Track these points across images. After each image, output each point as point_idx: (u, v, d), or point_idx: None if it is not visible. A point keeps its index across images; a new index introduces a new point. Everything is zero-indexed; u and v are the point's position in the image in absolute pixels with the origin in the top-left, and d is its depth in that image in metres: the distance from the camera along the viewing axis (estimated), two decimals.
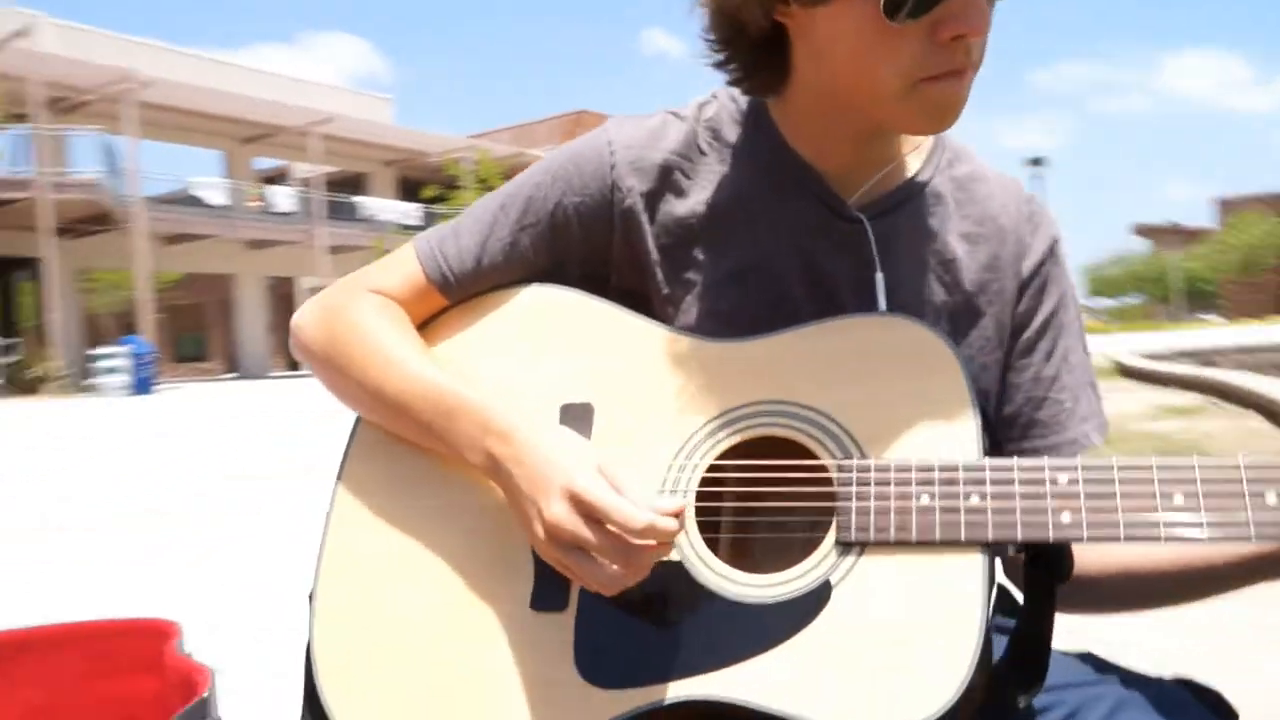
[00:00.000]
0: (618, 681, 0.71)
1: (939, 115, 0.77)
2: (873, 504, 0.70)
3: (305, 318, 0.92)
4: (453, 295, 0.91)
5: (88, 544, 4.10)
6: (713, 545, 0.75)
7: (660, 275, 0.88)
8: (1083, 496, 0.67)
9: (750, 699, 0.67)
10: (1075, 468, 0.68)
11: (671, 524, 0.69)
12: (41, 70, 21.50)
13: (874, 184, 0.87)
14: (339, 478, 0.86)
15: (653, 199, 0.88)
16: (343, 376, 0.88)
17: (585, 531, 0.69)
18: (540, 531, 0.72)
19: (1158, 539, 0.65)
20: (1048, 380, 0.90)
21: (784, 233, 0.87)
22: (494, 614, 0.76)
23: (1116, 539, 0.66)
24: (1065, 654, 0.82)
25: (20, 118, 21.19)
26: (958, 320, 0.87)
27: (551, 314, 0.87)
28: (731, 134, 0.89)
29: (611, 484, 0.71)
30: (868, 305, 0.85)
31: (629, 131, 0.89)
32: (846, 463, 0.72)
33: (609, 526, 0.69)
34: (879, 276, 0.85)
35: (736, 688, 0.68)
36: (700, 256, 0.87)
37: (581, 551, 0.70)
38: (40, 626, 1.05)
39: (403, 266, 0.91)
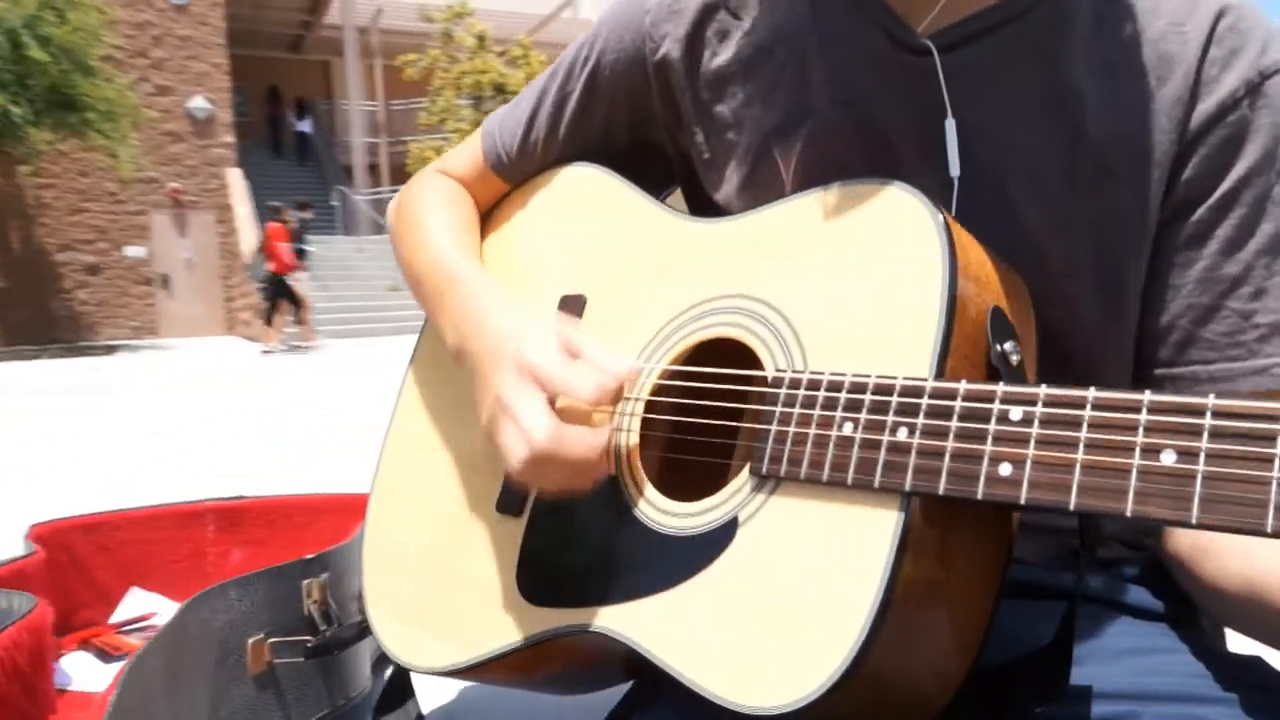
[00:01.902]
0: (543, 599, 0.69)
1: None
2: (792, 430, 0.57)
3: (396, 197, 0.93)
4: (508, 176, 0.88)
5: None
6: (656, 463, 0.70)
7: (700, 136, 0.76)
8: (1033, 441, 0.48)
9: (636, 639, 0.61)
10: (1036, 398, 0.49)
11: (612, 386, 0.63)
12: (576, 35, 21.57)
13: (951, 2, 0.67)
14: (409, 362, 0.89)
15: (691, 46, 0.76)
16: (397, 252, 0.88)
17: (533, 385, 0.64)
18: (485, 415, 0.67)
19: (1122, 513, 0.45)
20: (1227, 281, 0.65)
21: (835, 77, 0.70)
22: (475, 512, 0.76)
23: (1065, 508, 0.46)
24: (1204, 655, 0.64)
25: None
26: (1076, 185, 0.65)
27: (574, 199, 0.83)
28: None
29: (567, 349, 0.66)
30: (929, 164, 0.67)
31: None
32: (778, 375, 0.60)
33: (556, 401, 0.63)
34: (949, 124, 0.66)
35: (628, 625, 0.62)
36: (743, 112, 0.74)
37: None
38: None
39: (470, 148, 0.90)
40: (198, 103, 15.95)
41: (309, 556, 1.05)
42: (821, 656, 0.52)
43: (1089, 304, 0.67)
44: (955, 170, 0.66)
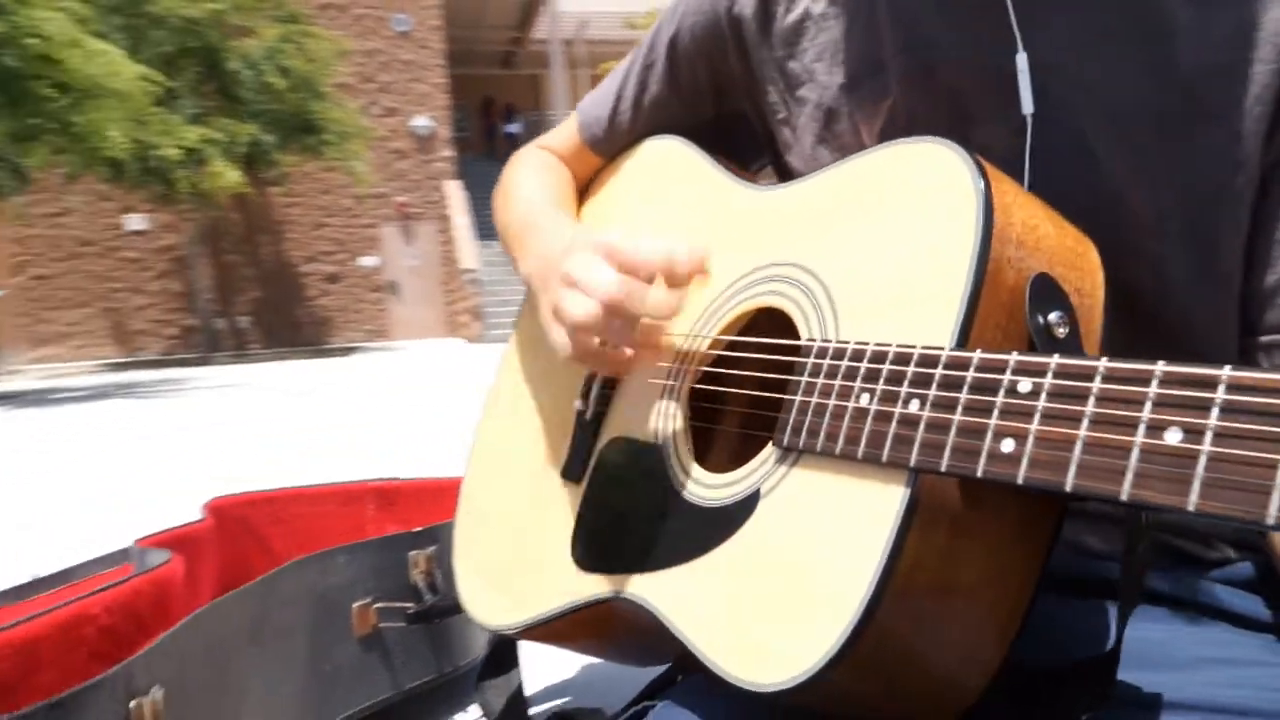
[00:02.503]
0: (590, 565, 0.69)
1: None
2: (814, 400, 0.55)
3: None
4: (601, 150, 0.89)
5: None
6: (706, 434, 0.69)
7: (775, 94, 0.75)
8: (1038, 415, 0.44)
9: (660, 608, 0.60)
10: (1046, 369, 0.44)
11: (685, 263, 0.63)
12: None
13: None
14: (514, 328, 0.92)
15: (764, 3, 0.74)
16: (496, 219, 0.90)
17: (595, 272, 0.64)
18: (546, 302, 0.69)
19: (1116, 497, 0.40)
20: None
21: (902, 23, 0.66)
22: (546, 480, 0.78)
23: (1062, 489, 0.42)
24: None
25: None
26: (1164, 125, 0.59)
27: (656, 169, 0.84)
28: None
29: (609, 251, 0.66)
30: (1001, 107, 0.62)
31: None
32: (807, 344, 0.57)
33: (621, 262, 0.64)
34: (1020, 59, 0.61)
35: (655, 594, 0.61)
36: (814, 67, 0.71)
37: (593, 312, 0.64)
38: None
39: (567, 126, 0.91)
40: (420, 121, 17.14)
41: (417, 529, 1.10)
42: (820, 633, 0.49)
43: (1178, 262, 0.60)
44: (1028, 108, 0.61)
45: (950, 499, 0.49)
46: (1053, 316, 0.50)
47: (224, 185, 12.82)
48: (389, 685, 1.04)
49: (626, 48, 18.88)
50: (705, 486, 0.62)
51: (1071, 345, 0.50)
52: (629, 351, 0.69)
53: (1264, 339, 0.59)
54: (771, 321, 0.64)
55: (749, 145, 0.81)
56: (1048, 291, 0.51)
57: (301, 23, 14.42)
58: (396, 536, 1.09)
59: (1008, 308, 0.50)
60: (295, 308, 16.80)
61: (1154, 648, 0.58)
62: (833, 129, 0.70)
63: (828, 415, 0.54)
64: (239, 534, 1.53)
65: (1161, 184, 0.59)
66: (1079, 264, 0.54)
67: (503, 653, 1.04)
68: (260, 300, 16.48)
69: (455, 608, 1.06)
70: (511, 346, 0.92)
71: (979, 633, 0.51)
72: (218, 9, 13.44)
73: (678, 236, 0.66)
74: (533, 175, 0.89)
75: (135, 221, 15.61)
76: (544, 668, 1.42)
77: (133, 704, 0.57)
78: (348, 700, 0.99)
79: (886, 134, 0.64)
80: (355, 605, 1.01)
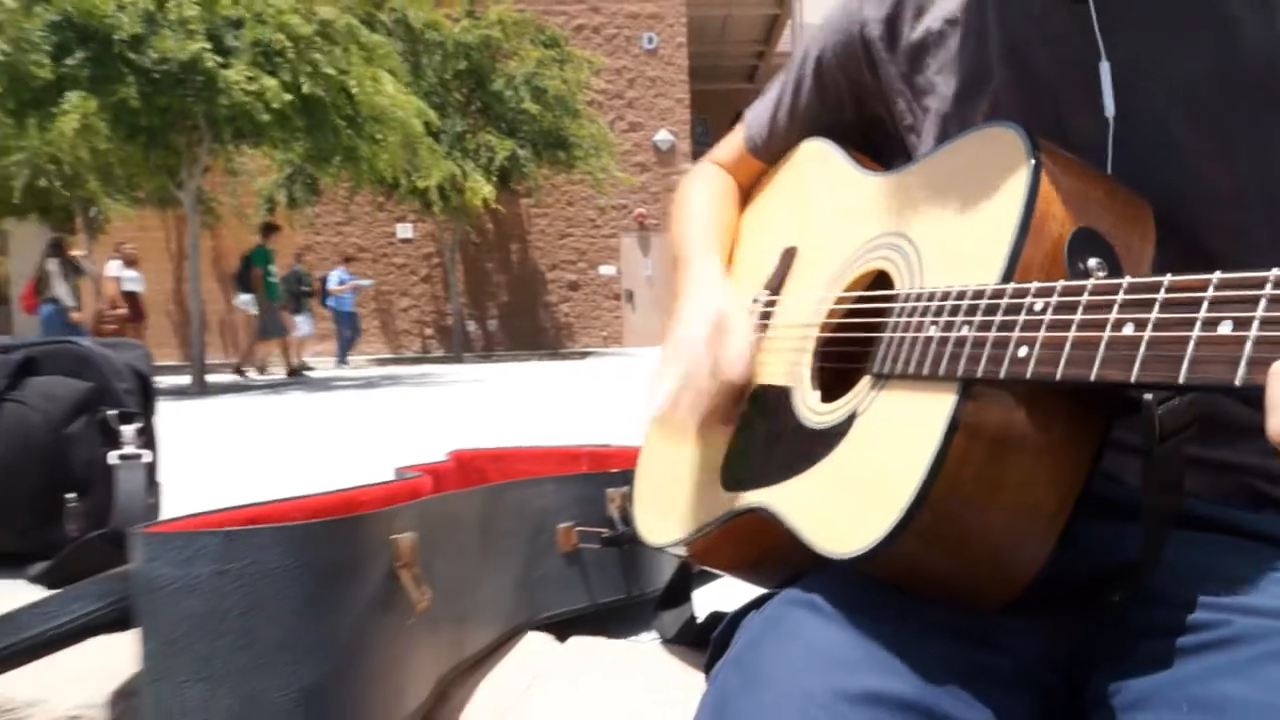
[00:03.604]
0: (732, 486, 0.82)
1: None
2: (897, 336, 0.67)
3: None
4: (763, 156, 1.01)
5: None
6: (828, 372, 0.80)
7: (902, 104, 0.85)
8: (1045, 326, 0.56)
9: (780, 511, 0.73)
10: (1053, 290, 0.56)
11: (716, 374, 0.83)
12: None
13: None
14: None
15: (890, 25, 0.85)
16: (669, 232, 1.07)
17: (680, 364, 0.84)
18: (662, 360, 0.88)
19: (1086, 378, 0.51)
20: None
21: (1006, 37, 0.75)
22: (705, 426, 0.92)
23: (1052, 377, 0.54)
24: None
25: None
26: (1237, 114, 0.67)
27: (801, 168, 0.97)
28: None
29: (715, 333, 0.84)
30: (1087, 106, 0.70)
31: None
32: (894, 293, 0.70)
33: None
34: (1104, 67, 0.70)
35: (777, 500, 0.74)
36: (935, 79, 0.81)
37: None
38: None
39: (733, 137, 1.06)
40: (662, 135, 17.76)
41: (614, 470, 1.29)
42: (887, 512, 0.61)
43: (1258, 230, 0.67)
44: (1110, 110, 0.70)
45: (995, 410, 0.60)
46: (1092, 262, 0.60)
47: (477, 200, 13.94)
48: (585, 597, 1.24)
49: None
50: (818, 414, 0.75)
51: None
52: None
53: None
54: (884, 279, 0.77)
55: (886, 146, 0.92)
56: (1088, 243, 0.61)
57: (562, 45, 15.42)
58: (598, 474, 1.28)
59: (1051, 255, 0.61)
60: (538, 313, 17.88)
61: (1210, 566, 0.65)
62: (948, 132, 0.80)
63: (904, 346, 0.66)
64: (473, 477, 1.79)
65: (1241, 165, 0.66)
66: (1129, 223, 0.64)
67: (679, 588, 1.21)
68: (507, 305, 17.69)
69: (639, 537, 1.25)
70: None
71: (1026, 523, 0.62)
72: (491, 35, 14.67)
73: (815, 225, 0.83)
74: (701, 192, 1.03)
75: (404, 230, 17.27)
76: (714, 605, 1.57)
77: (393, 537, 0.79)
78: (551, 603, 1.20)
79: None
80: (560, 526, 1.22)
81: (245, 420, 6.09)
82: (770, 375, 0.85)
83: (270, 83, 8.08)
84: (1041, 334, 0.56)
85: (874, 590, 0.65)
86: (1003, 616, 0.64)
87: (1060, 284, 0.56)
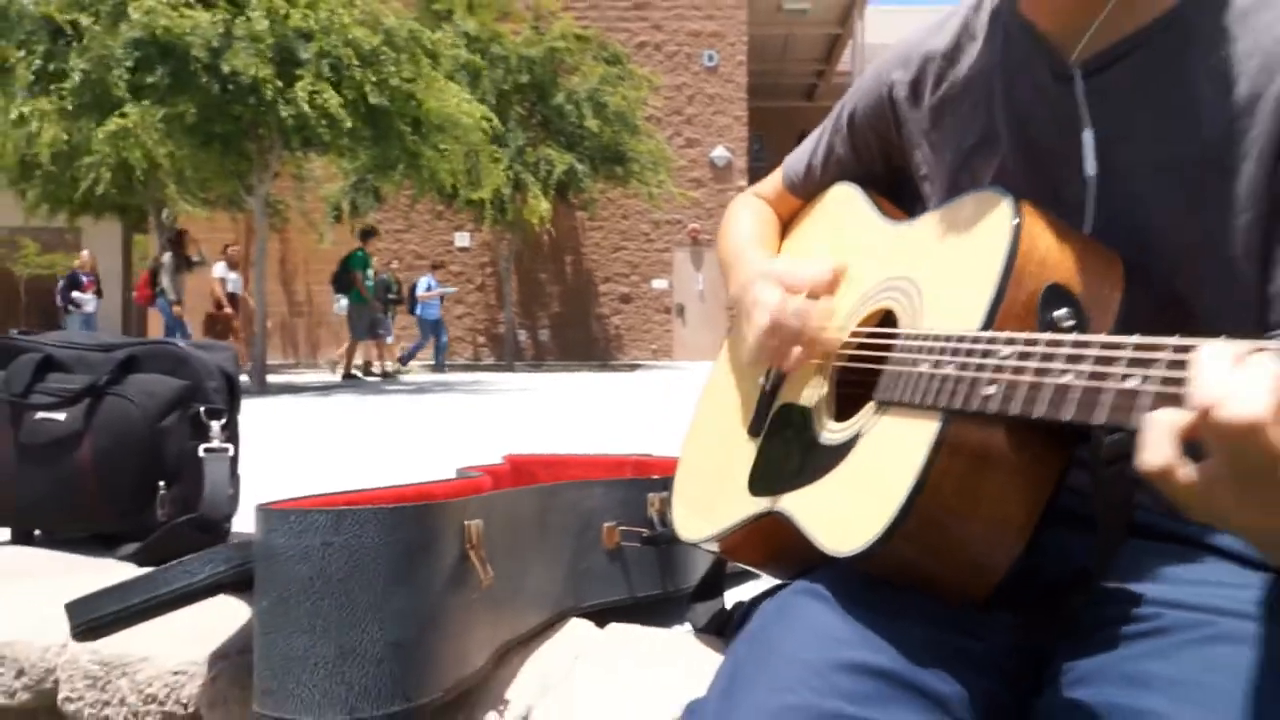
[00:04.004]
0: (758, 491, 0.93)
1: None
2: (896, 369, 0.78)
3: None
4: (799, 194, 1.13)
5: None
6: (843, 397, 0.91)
7: (920, 157, 0.97)
8: (1008, 370, 0.66)
9: (794, 514, 0.84)
10: (1018, 340, 0.67)
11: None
12: None
13: (1096, 34, 0.81)
14: (728, 334, 1.20)
15: (915, 88, 0.96)
16: (718, 248, 1.16)
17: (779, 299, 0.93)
18: (744, 316, 0.97)
19: (1030, 416, 0.63)
20: None
21: (1006, 102, 0.87)
22: (737, 436, 1.04)
23: (1009, 413, 0.65)
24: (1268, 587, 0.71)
25: None
26: (1198, 176, 0.77)
27: (830, 208, 1.09)
28: (991, 10, 0.91)
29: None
30: (1073, 169, 0.82)
31: (911, 32, 1.00)
32: (897, 331, 0.82)
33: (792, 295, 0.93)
34: (1087, 135, 0.81)
35: (793, 506, 0.85)
36: (950, 137, 0.93)
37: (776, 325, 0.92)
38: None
39: (775, 176, 1.16)
40: (719, 152, 17.91)
41: (655, 477, 1.42)
42: (880, 518, 0.73)
43: (1211, 277, 0.77)
44: (1090, 171, 0.82)
45: (973, 436, 0.71)
46: (1060, 313, 0.71)
47: (535, 217, 14.20)
48: (625, 590, 1.36)
49: None
50: (832, 432, 0.86)
51: (1077, 331, 0.71)
52: (796, 350, 0.93)
53: (1272, 333, 0.75)
54: (891, 317, 0.89)
55: (907, 193, 1.03)
56: (1058, 296, 0.72)
57: (624, 63, 15.66)
58: (641, 480, 1.41)
59: (1026, 306, 0.72)
60: (589, 324, 18.10)
61: (1152, 569, 0.76)
62: (958, 183, 0.92)
63: (902, 378, 0.77)
64: (525, 480, 1.92)
65: (1200, 221, 0.77)
66: (1099, 276, 0.75)
67: (713, 583, 1.33)
68: (559, 315, 17.94)
69: (677, 538, 1.37)
70: (724, 348, 1.20)
71: (998, 531, 0.73)
72: (555, 47, 14.96)
73: (828, 261, 0.94)
74: (747, 217, 1.16)
75: (462, 239, 17.63)
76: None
77: (466, 522, 0.92)
78: (594, 593, 1.32)
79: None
80: (605, 525, 1.34)
81: (301, 420, 6.33)
82: (793, 396, 0.97)
83: (334, 99, 8.39)
84: (1005, 377, 0.67)
85: (868, 583, 0.76)
86: (978, 609, 0.75)
87: (1024, 336, 0.67)
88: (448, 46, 10.06)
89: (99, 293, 13.98)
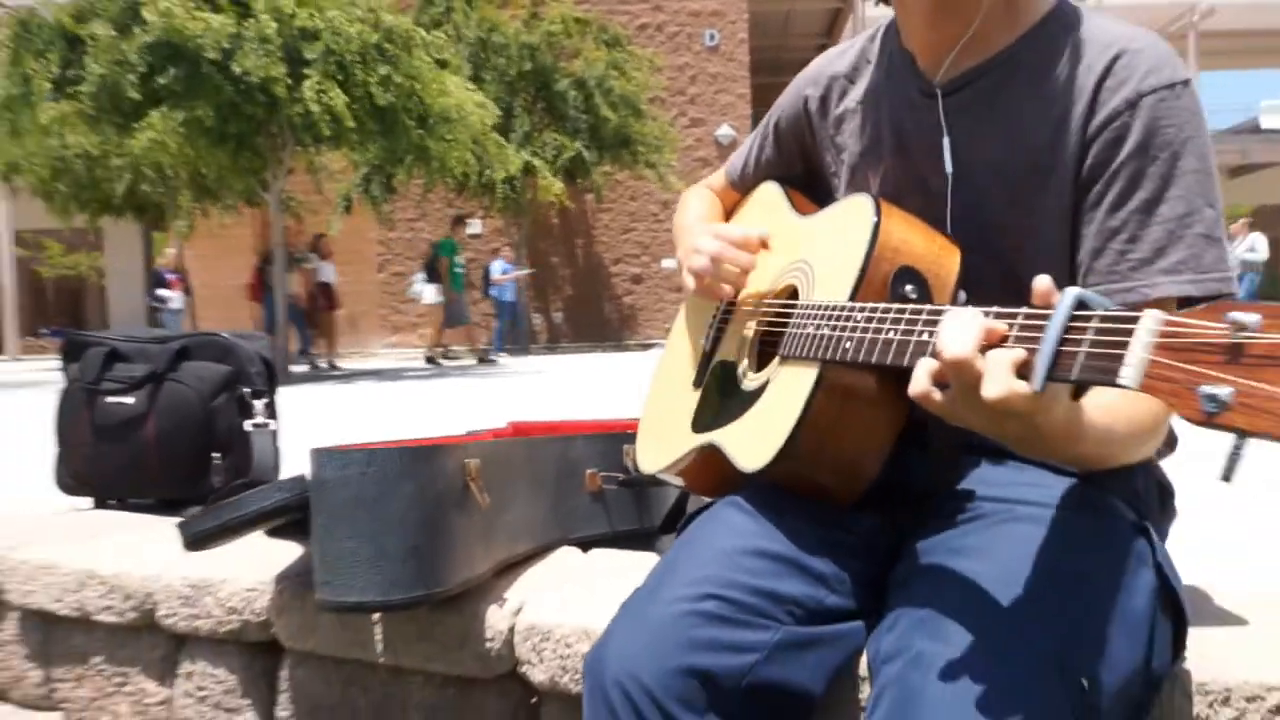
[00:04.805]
0: (697, 429, 1.18)
1: None
2: (793, 331, 1.00)
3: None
4: (738, 189, 1.35)
5: None
6: (760, 352, 1.15)
7: (828, 158, 1.19)
8: (858, 330, 0.89)
9: (722, 444, 1.09)
10: (865, 309, 0.90)
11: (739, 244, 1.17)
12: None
13: (952, 64, 1.02)
14: (684, 304, 1.37)
15: (823, 102, 1.18)
16: (674, 226, 1.39)
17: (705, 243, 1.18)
18: (684, 259, 1.23)
19: (870, 363, 0.87)
20: (1108, 231, 0.94)
21: (889, 113, 1.09)
22: (685, 387, 1.27)
23: (857, 362, 0.88)
24: (1062, 485, 0.96)
25: None
26: (1024, 175, 0.98)
27: (758, 202, 1.33)
28: (881, 41, 1.12)
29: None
30: (936, 167, 1.03)
31: (823, 55, 1.22)
32: (795, 303, 1.05)
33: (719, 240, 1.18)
34: (945, 141, 1.03)
35: (720, 438, 1.10)
36: (849, 142, 1.14)
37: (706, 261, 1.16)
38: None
39: (720, 171, 1.39)
40: (723, 130, 18.05)
41: (630, 431, 1.70)
42: (774, 442, 0.99)
43: (1039, 252, 1.00)
44: (949, 169, 1.06)
45: (843, 379, 0.97)
46: (908, 288, 0.96)
47: (550, 196, 14.44)
48: (606, 525, 1.65)
49: None
50: (751, 381, 1.13)
51: (920, 302, 0.98)
52: (727, 288, 1.18)
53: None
54: (795, 291, 1.15)
55: (823, 188, 1.31)
56: (906, 275, 0.97)
57: (624, 45, 15.81)
58: (617, 434, 1.69)
59: (882, 282, 0.97)
60: (603, 306, 18.34)
61: (980, 476, 1.02)
62: (855, 182, 1.17)
63: (797, 338, 1.01)
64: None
65: (1028, 210, 0.99)
66: (937, 260, 0.99)
67: (676, 517, 1.61)
68: (572, 298, 18.21)
69: (651, 482, 1.65)
70: (680, 314, 1.48)
71: (864, 450, 0.99)
72: (552, 31, 15.15)
73: (755, 229, 1.20)
74: (697, 201, 1.42)
75: (474, 226, 17.90)
76: None
77: (466, 460, 1.21)
78: (579, 528, 1.61)
79: (884, 187, 1.09)
80: (587, 471, 1.63)
81: (324, 404, 6.65)
82: (727, 353, 1.25)
83: (339, 97, 8.67)
84: (856, 335, 0.90)
85: (771, 492, 1.03)
86: (853, 510, 1.03)
87: (871, 305, 0.91)
88: (444, 45, 10.30)
89: (187, 290, 14.08)
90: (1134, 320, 0.62)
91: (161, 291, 13.46)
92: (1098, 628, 0.85)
